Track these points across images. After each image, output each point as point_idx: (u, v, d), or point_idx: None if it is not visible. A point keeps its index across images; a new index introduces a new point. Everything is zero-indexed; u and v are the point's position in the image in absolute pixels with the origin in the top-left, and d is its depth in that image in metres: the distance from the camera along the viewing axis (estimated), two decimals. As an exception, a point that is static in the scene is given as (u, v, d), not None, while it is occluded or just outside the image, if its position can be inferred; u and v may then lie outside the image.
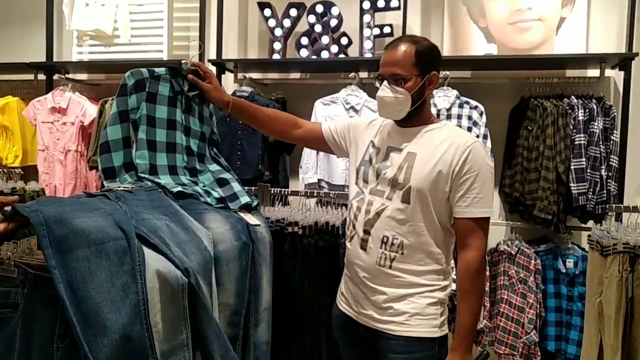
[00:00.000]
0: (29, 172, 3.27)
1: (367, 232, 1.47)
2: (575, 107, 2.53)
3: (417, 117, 1.48)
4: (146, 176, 1.37)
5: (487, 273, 2.53)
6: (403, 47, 1.42)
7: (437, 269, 1.46)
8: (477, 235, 1.41)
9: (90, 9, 3.22)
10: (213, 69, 3.03)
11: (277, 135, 1.81)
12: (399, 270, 1.44)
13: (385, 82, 1.44)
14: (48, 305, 0.93)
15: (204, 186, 1.51)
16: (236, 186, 1.59)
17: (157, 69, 1.48)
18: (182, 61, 1.54)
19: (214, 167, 1.63)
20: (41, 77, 3.37)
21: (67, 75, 3.34)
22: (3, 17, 3.68)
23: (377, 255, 1.45)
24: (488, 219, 1.43)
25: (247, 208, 1.56)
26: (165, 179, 1.40)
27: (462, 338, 1.41)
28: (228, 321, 1.27)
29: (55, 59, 3.40)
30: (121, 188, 1.20)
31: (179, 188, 1.37)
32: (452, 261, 1.58)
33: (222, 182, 1.59)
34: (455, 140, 1.42)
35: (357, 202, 1.53)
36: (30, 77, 3.39)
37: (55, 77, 3.36)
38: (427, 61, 1.44)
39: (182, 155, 1.51)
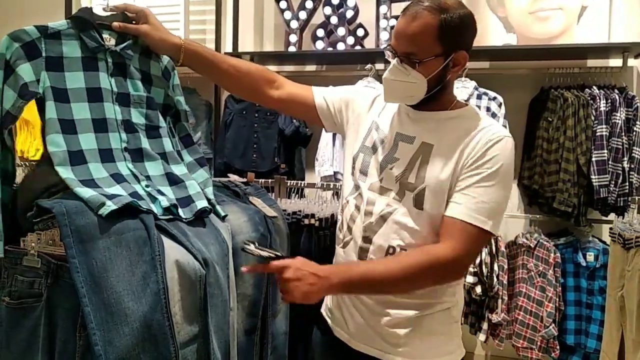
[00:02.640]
0: (50, 165, 3.33)
1: (367, 239, 1.18)
2: (597, 98, 2.49)
3: (435, 101, 1.17)
4: (64, 174, 1.02)
5: (505, 266, 2.51)
6: (424, 17, 1.08)
7: (451, 283, 1.19)
8: (462, 237, 1.08)
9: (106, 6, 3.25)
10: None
11: (247, 94, 1.42)
12: None
13: (396, 60, 1.12)
14: (70, 295, 0.94)
15: (147, 185, 1.12)
16: (192, 184, 1.21)
17: (52, 24, 1.09)
18: (95, 6, 1.08)
19: (169, 145, 1.23)
20: (61, 71, 3.42)
21: (85, 70, 3.38)
22: (22, 12, 3.73)
23: None
24: (481, 232, 1.08)
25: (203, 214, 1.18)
26: (96, 170, 1.07)
27: (351, 277, 1.09)
28: (247, 311, 1.28)
29: (74, 54, 3.45)
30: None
31: (111, 206, 0.97)
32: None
33: (173, 176, 1.19)
34: (484, 131, 1.14)
35: (355, 199, 1.23)
36: (50, 71, 3.44)
37: (74, 71, 3.40)
38: (455, 36, 1.10)
39: (119, 132, 1.14)
